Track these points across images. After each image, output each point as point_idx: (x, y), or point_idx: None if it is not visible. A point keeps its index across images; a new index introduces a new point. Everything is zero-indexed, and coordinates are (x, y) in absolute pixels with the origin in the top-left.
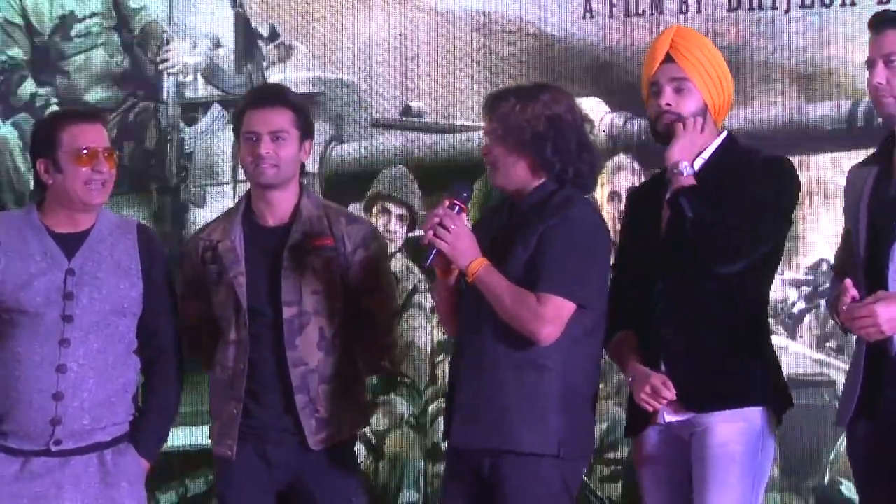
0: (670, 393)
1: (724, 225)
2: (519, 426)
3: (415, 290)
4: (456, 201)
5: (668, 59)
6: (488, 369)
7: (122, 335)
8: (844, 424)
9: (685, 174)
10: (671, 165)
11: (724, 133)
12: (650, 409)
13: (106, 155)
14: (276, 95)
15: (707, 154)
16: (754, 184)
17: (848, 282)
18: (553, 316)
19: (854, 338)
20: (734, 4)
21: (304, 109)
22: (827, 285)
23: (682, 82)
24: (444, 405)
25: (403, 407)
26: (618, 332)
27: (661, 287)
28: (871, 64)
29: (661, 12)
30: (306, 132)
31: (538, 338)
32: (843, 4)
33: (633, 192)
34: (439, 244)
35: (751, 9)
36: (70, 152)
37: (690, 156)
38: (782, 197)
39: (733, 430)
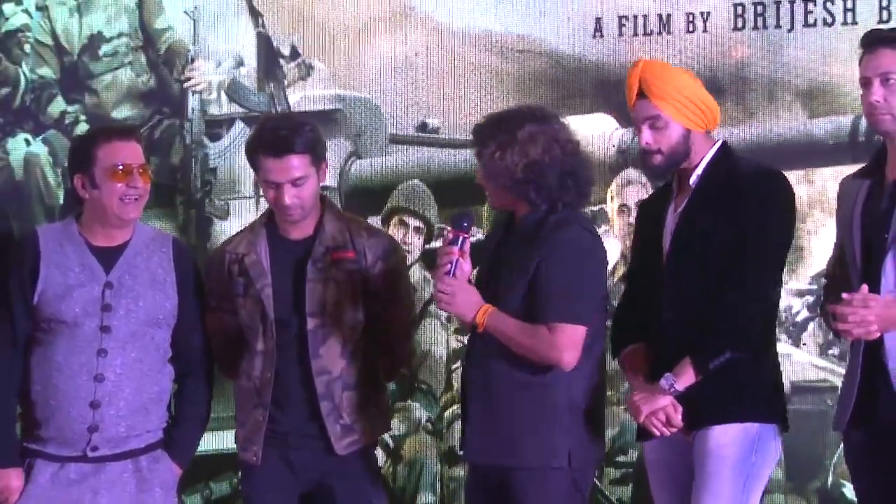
0: (680, 421)
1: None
2: (528, 443)
3: (431, 301)
4: (459, 233)
5: (641, 94)
6: (497, 388)
7: (158, 345)
8: (841, 430)
9: (675, 388)
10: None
11: (718, 144)
12: (658, 433)
13: (140, 171)
14: (289, 144)
15: (700, 170)
16: (751, 229)
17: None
18: (568, 343)
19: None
20: (739, 24)
21: (316, 144)
22: None
23: (656, 120)
24: (459, 411)
25: (420, 412)
26: (629, 342)
27: (668, 315)
28: (865, 83)
29: (669, 32)
30: (321, 159)
31: (561, 365)
32: (845, 23)
33: (643, 203)
34: (444, 308)
35: (755, 28)
36: (106, 169)
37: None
38: (780, 238)
39: (729, 433)
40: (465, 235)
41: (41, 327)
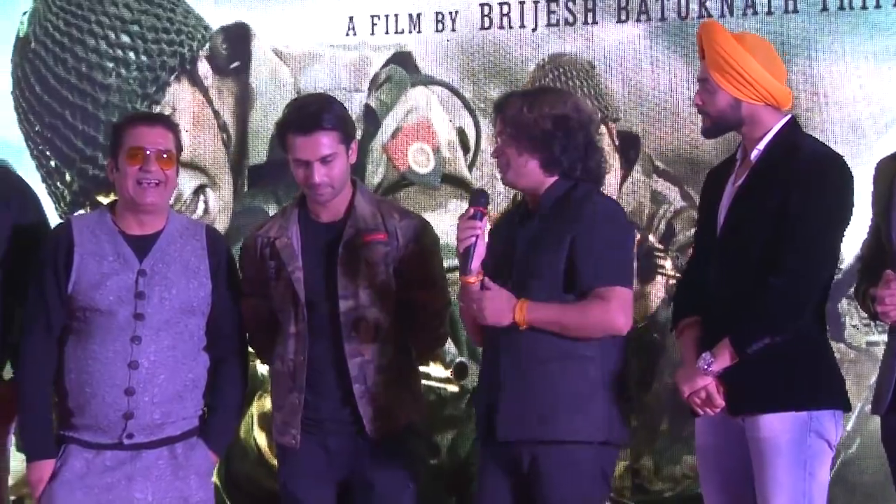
0: (721, 401)
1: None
2: (563, 416)
3: None
4: (479, 209)
5: (702, 55)
6: (529, 364)
7: (192, 333)
8: (881, 413)
9: (710, 368)
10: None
11: (785, 120)
12: (700, 413)
13: (158, 156)
14: (318, 120)
15: (762, 145)
16: (803, 220)
17: (889, 273)
18: (620, 305)
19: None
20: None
21: (345, 121)
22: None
23: (705, 82)
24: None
25: None
26: (687, 314)
27: (715, 291)
28: None
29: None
30: (350, 138)
31: (616, 330)
32: None
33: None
34: (479, 320)
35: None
36: (125, 152)
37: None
38: (828, 222)
39: (778, 422)
40: (485, 212)
41: (76, 317)
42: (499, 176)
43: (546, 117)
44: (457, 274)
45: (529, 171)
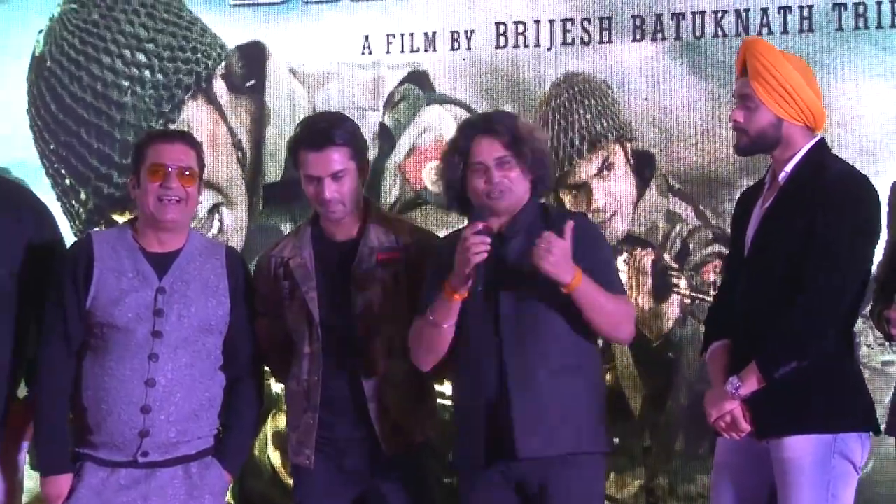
0: (747, 426)
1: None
2: (580, 428)
3: None
4: (486, 225)
5: (744, 72)
6: (538, 379)
7: (210, 352)
8: (895, 434)
9: (737, 392)
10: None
11: (814, 141)
12: (726, 436)
13: (179, 173)
14: (329, 136)
15: (790, 167)
16: (826, 241)
17: None
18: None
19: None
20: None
21: (356, 138)
22: None
23: (747, 99)
24: None
25: None
26: (717, 338)
27: (742, 314)
28: None
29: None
30: (363, 155)
31: (628, 338)
32: None
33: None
34: (543, 264)
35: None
36: (146, 168)
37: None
38: (853, 244)
39: (802, 444)
40: (492, 228)
41: (94, 333)
42: None
43: (543, 142)
44: None
45: (524, 194)
